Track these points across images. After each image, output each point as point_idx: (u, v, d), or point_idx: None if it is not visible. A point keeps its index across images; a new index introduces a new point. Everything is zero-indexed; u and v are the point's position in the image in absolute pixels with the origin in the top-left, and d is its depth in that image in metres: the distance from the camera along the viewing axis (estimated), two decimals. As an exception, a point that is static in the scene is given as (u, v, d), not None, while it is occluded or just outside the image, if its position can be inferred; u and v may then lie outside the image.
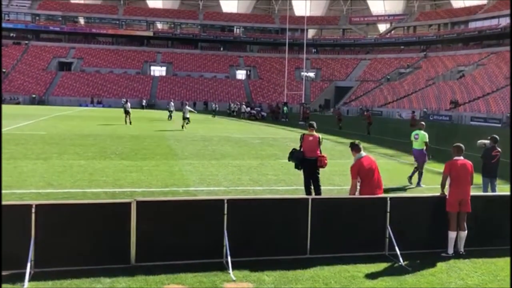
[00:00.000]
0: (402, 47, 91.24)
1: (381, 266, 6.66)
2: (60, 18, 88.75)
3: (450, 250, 7.21)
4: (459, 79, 70.28)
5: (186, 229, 6.52)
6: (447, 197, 7.31)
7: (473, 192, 7.51)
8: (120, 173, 13.04)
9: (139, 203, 6.34)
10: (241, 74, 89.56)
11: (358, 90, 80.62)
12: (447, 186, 7.38)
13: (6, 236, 5.75)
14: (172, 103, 41.80)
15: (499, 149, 10.29)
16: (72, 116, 42.43)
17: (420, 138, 12.89)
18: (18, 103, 65.77)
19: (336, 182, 12.71)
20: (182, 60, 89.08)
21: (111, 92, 76.13)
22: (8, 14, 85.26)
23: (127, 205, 6.31)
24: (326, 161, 9.91)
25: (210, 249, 6.54)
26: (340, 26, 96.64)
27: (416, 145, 12.97)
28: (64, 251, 6.10)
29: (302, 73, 66.26)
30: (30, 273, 5.74)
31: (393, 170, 15.34)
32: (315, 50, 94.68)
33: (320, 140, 9.98)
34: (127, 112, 32.86)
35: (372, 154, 8.87)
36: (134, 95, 73.44)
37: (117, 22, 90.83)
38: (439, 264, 6.82)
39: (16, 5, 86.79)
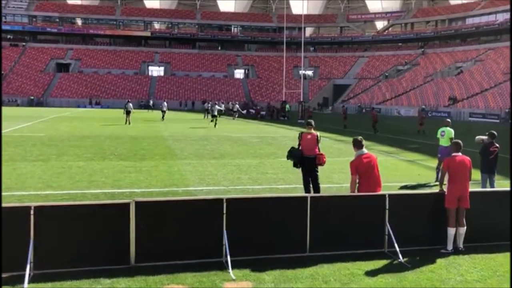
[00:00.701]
0: (400, 44, 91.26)
1: (380, 263, 6.67)
2: (57, 19, 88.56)
3: (450, 247, 7.22)
4: (457, 76, 70.33)
5: (185, 229, 6.52)
6: (446, 193, 7.32)
7: (471, 188, 7.52)
8: (119, 173, 13.04)
9: (138, 204, 6.34)
10: (239, 73, 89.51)
11: (356, 87, 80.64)
12: (445, 182, 7.40)
13: (5, 238, 5.75)
14: (165, 103, 41.59)
15: (497, 145, 10.31)
16: (70, 117, 42.39)
17: (447, 134, 12.84)
18: (17, 105, 65.68)
19: (335, 180, 12.71)
20: (180, 60, 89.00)
21: (110, 93, 76.05)
22: (5, 16, 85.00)
23: (126, 205, 6.31)
24: (324, 159, 9.92)
25: (210, 248, 6.54)
26: (338, 24, 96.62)
27: (443, 141, 12.87)
28: (63, 252, 6.10)
29: (300, 72, 66.23)
30: (29, 275, 5.73)
31: (391, 167, 15.35)
32: (313, 48, 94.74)
33: (319, 138, 9.99)
34: (128, 113, 33.46)
35: (371, 151, 8.82)
36: (132, 95, 73.33)
37: (115, 22, 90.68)
38: (439, 261, 6.83)
39: (13, 7, 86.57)
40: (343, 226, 7.07)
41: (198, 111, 61.15)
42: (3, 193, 9.11)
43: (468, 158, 7.54)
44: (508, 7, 69.95)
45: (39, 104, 69.93)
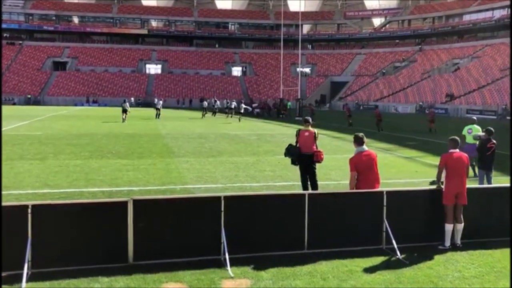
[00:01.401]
0: (397, 41, 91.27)
1: (378, 260, 6.68)
2: (54, 18, 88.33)
3: (447, 243, 7.23)
4: (454, 72, 70.39)
5: (183, 227, 6.52)
6: (443, 190, 7.34)
7: (469, 185, 7.54)
8: (116, 172, 13.02)
9: (136, 202, 6.34)
10: (236, 71, 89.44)
11: (354, 84, 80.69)
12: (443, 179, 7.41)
13: (3, 237, 5.73)
14: (160, 101, 41.40)
15: (494, 141, 10.33)
16: (67, 116, 42.30)
17: (474, 132, 12.86)
18: (13, 104, 65.49)
19: (333, 177, 12.72)
20: (177, 57, 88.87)
21: (107, 91, 75.90)
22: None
23: (124, 204, 6.31)
24: (322, 156, 9.91)
25: (208, 246, 6.54)
26: (335, 21, 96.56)
27: (470, 139, 12.85)
28: (61, 251, 6.09)
29: (298, 69, 66.15)
30: (27, 273, 5.73)
31: (390, 164, 15.37)
32: (310, 45, 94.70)
33: (316, 135, 9.98)
34: (124, 111, 33.88)
35: (370, 148, 8.79)
36: (130, 93, 73.23)
37: (111, 20, 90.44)
38: (436, 257, 6.84)
39: (9, 5, 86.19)
40: (341, 223, 7.07)
41: (195, 108, 61.08)
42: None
43: (466, 154, 7.55)
44: (504, 3, 70.18)
45: (36, 102, 69.77)
